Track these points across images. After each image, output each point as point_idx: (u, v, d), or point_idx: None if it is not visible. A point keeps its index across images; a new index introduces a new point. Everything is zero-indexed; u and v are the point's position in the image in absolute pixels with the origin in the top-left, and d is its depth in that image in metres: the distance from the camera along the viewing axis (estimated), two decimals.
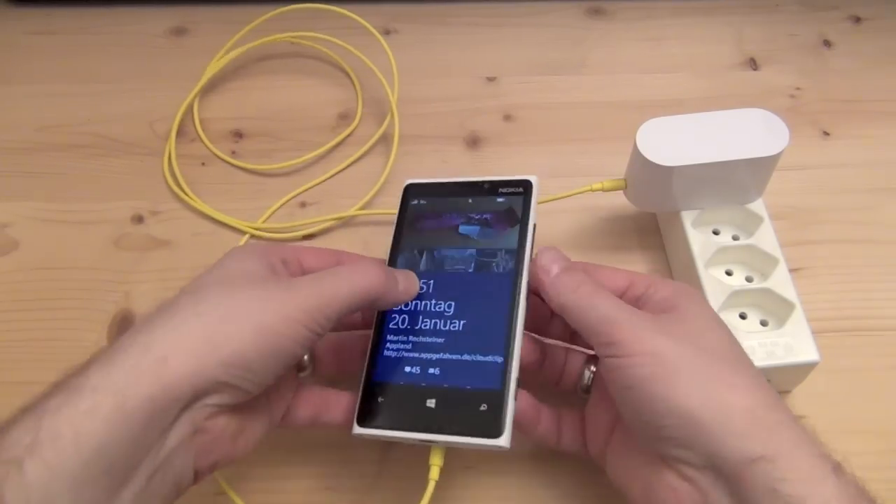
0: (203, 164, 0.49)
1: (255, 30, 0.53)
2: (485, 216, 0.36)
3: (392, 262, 0.36)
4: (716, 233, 0.42)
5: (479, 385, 0.31)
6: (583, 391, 0.35)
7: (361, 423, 0.32)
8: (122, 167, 0.49)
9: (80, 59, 0.56)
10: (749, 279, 0.40)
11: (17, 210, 0.47)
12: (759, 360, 0.36)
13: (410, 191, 0.39)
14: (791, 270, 0.39)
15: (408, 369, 0.33)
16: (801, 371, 0.37)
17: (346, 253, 0.35)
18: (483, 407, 0.31)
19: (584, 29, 0.57)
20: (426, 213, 0.37)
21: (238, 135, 0.51)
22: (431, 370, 0.32)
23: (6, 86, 0.54)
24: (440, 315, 0.34)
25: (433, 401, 0.32)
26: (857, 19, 0.57)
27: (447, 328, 0.34)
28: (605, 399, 0.33)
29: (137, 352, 0.26)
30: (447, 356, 0.33)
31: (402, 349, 0.33)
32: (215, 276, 0.30)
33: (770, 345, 0.36)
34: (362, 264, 0.32)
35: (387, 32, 0.57)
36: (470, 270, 0.35)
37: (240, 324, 0.27)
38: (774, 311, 0.38)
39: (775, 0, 0.59)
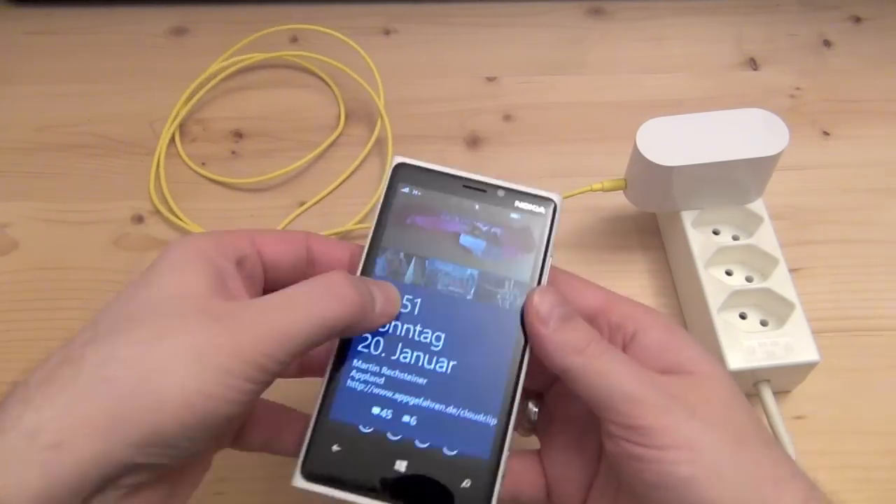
0: (203, 163, 0.50)
1: (252, 30, 0.53)
2: (494, 230, 0.29)
3: (369, 264, 0.29)
4: (716, 233, 0.42)
5: (465, 451, 0.26)
6: (525, 428, 0.31)
7: (306, 474, 0.25)
8: (122, 167, 0.49)
9: (80, 59, 0.56)
10: (749, 279, 0.40)
11: (17, 210, 0.47)
12: (759, 360, 0.36)
13: (401, 173, 0.30)
14: (791, 270, 0.39)
15: (376, 411, 0.26)
16: (801, 371, 0.37)
17: (314, 236, 0.29)
18: (466, 483, 0.25)
19: (584, 29, 0.57)
20: (419, 207, 0.30)
21: (238, 135, 0.51)
22: (406, 418, 0.26)
23: (6, 86, 0.54)
24: (426, 348, 0.28)
25: (404, 463, 0.26)
26: (857, 19, 0.57)
27: (433, 367, 0.27)
28: (575, 448, 0.29)
29: (22, 436, 0.20)
30: (428, 404, 0.27)
31: (373, 383, 0.27)
32: (135, 309, 0.23)
33: (770, 345, 0.36)
34: (329, 286, 0.25)
35: (386, 32, 0.57)
36: (469, 297, 0.28)
37: (159, 390, 0.21)
38: (774, 311, 0.38)
39: (775, 0, 0.59)
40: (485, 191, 0.30)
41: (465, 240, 0.29)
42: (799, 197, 0.47)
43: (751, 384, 0.37)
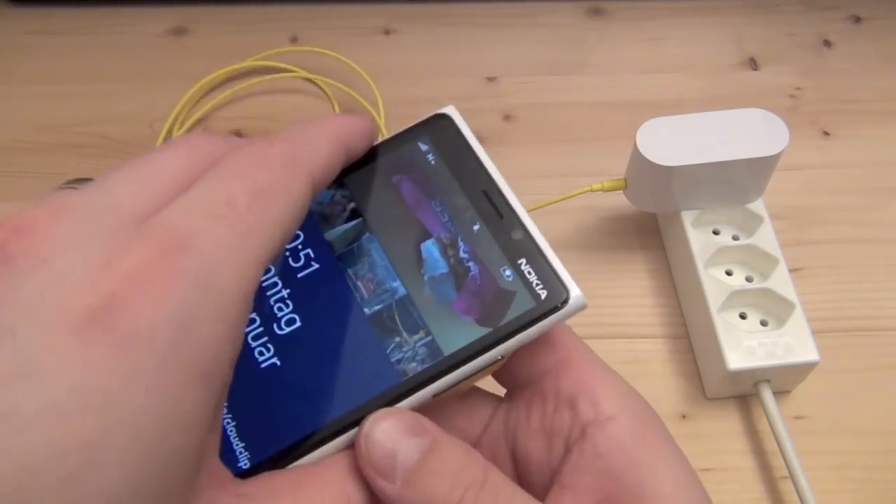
0: None
1: (252, 30, 0.53)
2: (469, 264, 0.21)
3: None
4: (716, 233, 0.42)
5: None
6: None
7: None
8: None
9: (80, 59, 0.56)
10: (749, 279, 0.40)
11: (17, 210, 0.47)
12: (759, 360, 0.36)
13: (435, 127, 0.24)
14: (791, 270, 0.39)
15: None
16: (801, 371, 0.37)
17: None
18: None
19: (584, 29, 0.57)
20: (419, 174, 0.22)
21: (238, 135, 0.51)
22: None
23: (6, 86, 0.54)
24: (267, 322, 0.20)
25: None
26: (857, 19, 0.57)
27: (254, 347, 0.20)
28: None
29: None
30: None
31: None
32: None
33: (770, 345, 0.36)
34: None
35: (386, 32, 0.57)
36: (366, 310, 0.20)
37: None
38: (774, 311, 0.38)
39: (775, 0, 0.59)
40: (502, 216, 0.21)
41: (429, 248, 0.21)
42: (799, 197, 0.47)
43: (751, 384, 0.37)
